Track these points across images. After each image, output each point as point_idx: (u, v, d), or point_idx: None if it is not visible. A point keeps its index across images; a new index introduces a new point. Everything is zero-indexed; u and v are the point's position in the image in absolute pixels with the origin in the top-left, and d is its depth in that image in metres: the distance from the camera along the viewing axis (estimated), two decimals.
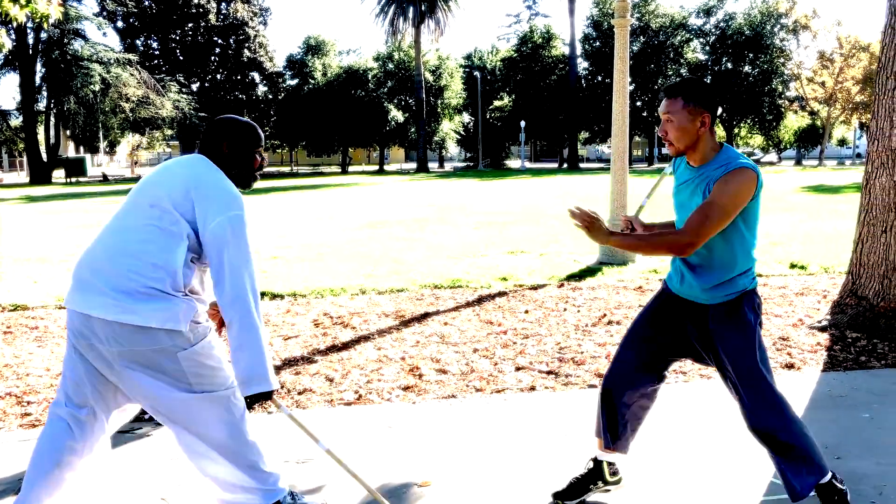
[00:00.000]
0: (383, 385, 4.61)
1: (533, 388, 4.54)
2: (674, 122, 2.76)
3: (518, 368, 4.92)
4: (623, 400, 3.00)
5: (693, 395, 4.42)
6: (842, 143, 72.03)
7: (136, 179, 45.03)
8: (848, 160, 62.01)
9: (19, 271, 9.30)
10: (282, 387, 4.57)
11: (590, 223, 2.73)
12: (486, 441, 3.74)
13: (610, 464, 3.11)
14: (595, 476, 3.10)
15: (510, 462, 3.49)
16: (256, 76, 53.90)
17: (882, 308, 5.58)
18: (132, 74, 42.11)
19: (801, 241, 11.13)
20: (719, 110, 2.84)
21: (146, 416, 3.98)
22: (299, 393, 4.48)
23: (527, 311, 6.55)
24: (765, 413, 2.78)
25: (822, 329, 5.72)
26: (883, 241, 5.60)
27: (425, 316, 6.44)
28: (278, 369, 4.95)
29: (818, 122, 56.48)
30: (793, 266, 8.75)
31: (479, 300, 7.08)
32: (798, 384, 4.54)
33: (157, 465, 3.51)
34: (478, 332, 5.85)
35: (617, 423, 3.01)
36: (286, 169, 61.33)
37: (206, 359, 2.65)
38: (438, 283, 7.89)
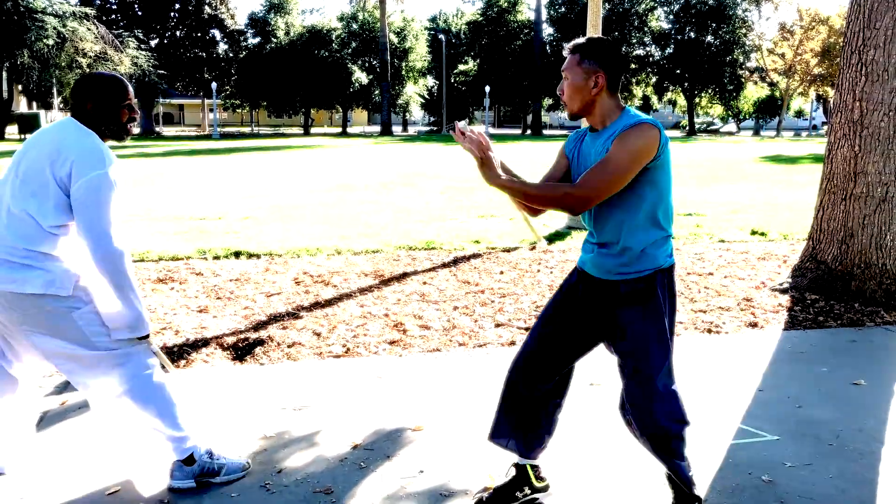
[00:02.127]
0: (370, 339, 4.78)
1: (513, 343, 4.75)
2: (568, 80, 2.57)
3: (498, 325, 5.13)
4: (533, 394, 2.78)
5: None
6: (799, 114, 73.35)
7: None
8: (804, 132, 63.23)
9: None
10: (271, 340, 4.72)
11: (484, 156, 2.49)
12: (471, 390, 3.94)
13: (534, 466, 2.87)
14: (521, 482, 2.85)
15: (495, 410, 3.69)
16: (217, 34, 52.85)
17: (839, 271, 5.89)
18: (89, 29, 40.87)
19: (760, 209, 11.50)
20: (620, 73, 2.57)
21: None
22: (289, 346, 4.63)
23: (501, 272, 6.75)
24: (658, 407, 2.62)
25: (783, 291, 6.02)
26: (842, 209, 5.89)
27: (404, 276, 6.61)
28: (265, 323, 5.09)
29: (777, 94, 57.41)
30: (753, 233, 9.08)
31: (455, 261, 7.26)
32: (761, 342, 4.83)
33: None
34: (456, 292, 6.04)
35: (534, 421, 2.80)
36: (247, 129, 60.50)
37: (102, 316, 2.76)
38: (413, 245, 8.04)
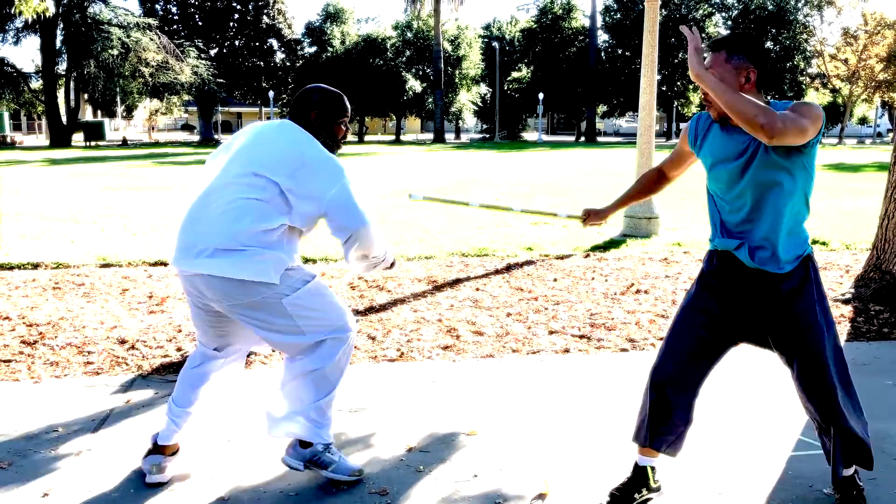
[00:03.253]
0: (423, 344, 4.82)
1: (567, 351, 4.73)
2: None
3: (551, 332, 5.12)
4: (678, 396, 2.76)
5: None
6: (862, 121, 71.30)
7: (154, 144, 45.31)
8: (868, 139, 61.44)
9: (54, 231, 9.55)
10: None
11: (697, 46, 2.43)
12: (525, 397, 3.94)
13: (653, 468, 2.87)
14: (640, 483, 2.84)
15: (549, 417, 3.69)
16: (275, 43, 53.79)
17: None
18: (152, 39, 42.09)
19: (821, 218, 11.22)
20: (767, 67, 2.56)
21: None
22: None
23: (555, 280, 6.73)
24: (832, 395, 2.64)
25: (846, 302, 5.87)
26: None
27: (457, 282, 6.64)
28: None
29: (839, 100, 55.94)
30: (814, 242, 8.87)
31: (508, 268, 7.27)
32: None
33: (220, 410, 3.73)
34: (509, 298, 6.04)
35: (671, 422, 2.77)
36: None
37: (311, 303, 2.88)
38: (466, 252, 8.07)
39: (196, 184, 2.97)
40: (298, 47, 54.82)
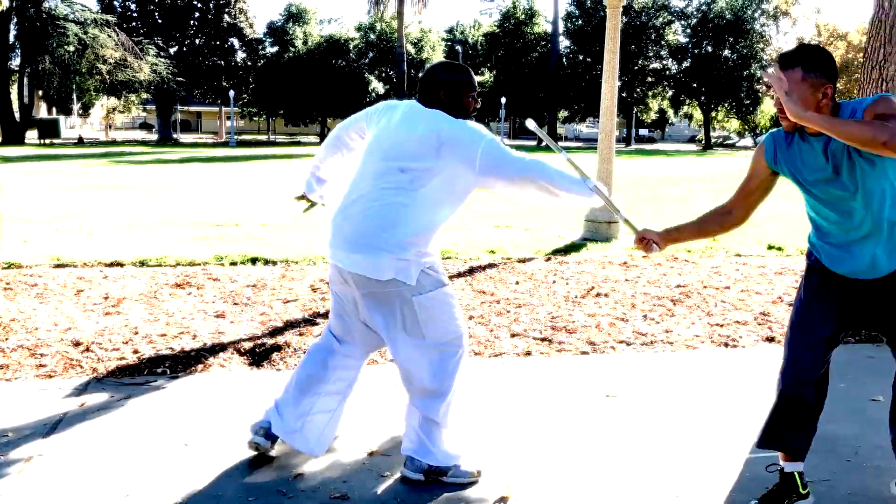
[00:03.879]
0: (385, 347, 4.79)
1: (528, 353, 4.75)
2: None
3: (513, 335, 5.13)
4: (814, 404, 2.83)
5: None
6: None
7: (110, 143, 44.46)
8: None
9: (6, 230, 9.31)
10: (287, 346, 4.74)
11: (788, 89, 2.44)
12: (488, 399, 3.94)
13: (801, 473, 2.86)
14: (789, 490, 2.84)
15: (512, 419, 3.70)
16: (236, 42, 53.28)
17: None
18: (109, 36, 41.32)
19: (776, 224, 11.44)
20: (836, 79, 2.52)
21: (160, 371, 4.15)
22: (305, 352, 4.63)
23: (517, 283, 6.76)
24: None
25: None
26: None
27: None
28: (282, 329, 5.11)
29: None
30: (770, 247, 9.04)
31: (470, 271, 7.27)
32: (778, 356, 4.79)
33: (177, 414, 3.67)
34: (472, 301, 6.04)
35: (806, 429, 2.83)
36: (263, 137, 60.84)
37: (439, 307, 2.94)
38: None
39: (346, 168, 3.16)
40: (260, 47, 54.35)
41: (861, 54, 6.27)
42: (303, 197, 3.49)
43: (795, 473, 2.84)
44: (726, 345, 5.05)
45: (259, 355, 4.64)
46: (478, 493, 2.96)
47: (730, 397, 4.05)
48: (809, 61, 2.46)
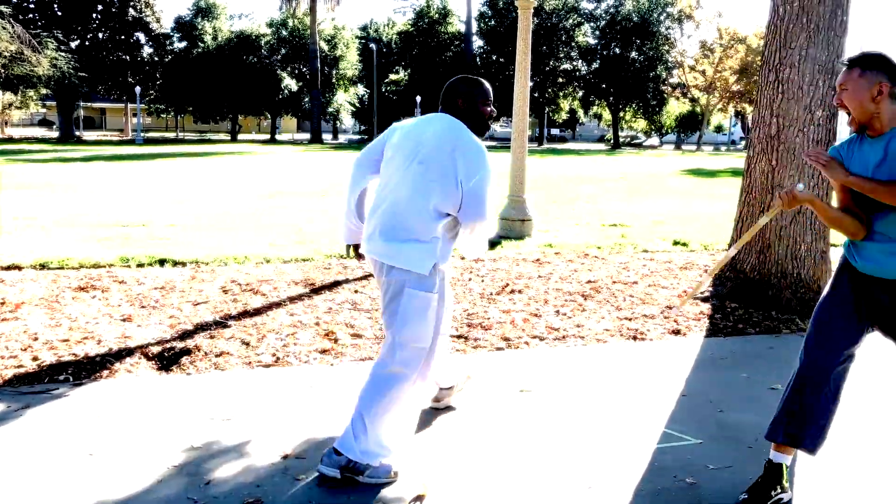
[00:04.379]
0: (300, 348, 4.73)
1: None
2: (848, 92, 2.78)
3: None
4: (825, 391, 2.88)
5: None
6: (718, 129, 75.91)
7: (7, 140, 42.29)
8: (723, 146, 65.50)
9: None
10: (198, 349, 4.62)
11: (826, 162, 2.81)
12: None
13: (788, 467, 2.95)
14: (775, 481, 2.91)
15: (427, 418, 3.70)
16: (142, 37, 51.43)
17: (757, 281, 6.13)
18: (4, 28, 39.29)
19: (682, 220, 11.86)
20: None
21: (62, 377, 3.97)
22: (217, 356, 4.54)
23: None
24: None
25: (705, 300, 6.22)
26: None
27: (335, 284, 6.56)
28: (191, 333, 4.98)
29: (698, 109, 59.33)
30: (676, 243, 9.35)
31: None
32: (684, 348, 4.98)
33: (81, 423, 3.52)
34: None
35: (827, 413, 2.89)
36: (172, 135, 59.05)
37: (421, 308, 3.08)
38: (344, 254, 7.99)
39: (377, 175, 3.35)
40: (167, 42, 52.68)
41: (760, 57, 6.60)
42: (349, 247, 3.59)
43: (784, 465, 2.92)
44: (634, 338, 5.20)
45: (168, 360, 4.50)
46: (394, 493, 2.96)
47: (638, 389, 4.18)
48: (867, 61, 2.77)
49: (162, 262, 7.27)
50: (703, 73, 54.17)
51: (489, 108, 3.30)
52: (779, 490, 2.89)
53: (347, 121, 69.55)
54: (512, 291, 6.43)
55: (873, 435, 3.64)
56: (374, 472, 3.04)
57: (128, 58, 50.26)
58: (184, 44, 52.83)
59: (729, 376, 4.43)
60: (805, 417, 2.87)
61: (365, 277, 6.86)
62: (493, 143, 56.26)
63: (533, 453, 3.34)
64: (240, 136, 56.82)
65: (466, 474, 3.12)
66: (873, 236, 2.85)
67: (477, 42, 58.12)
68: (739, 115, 59.74)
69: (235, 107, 53.18)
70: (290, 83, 52.84)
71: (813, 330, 2.94)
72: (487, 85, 3.30)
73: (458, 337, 5.07)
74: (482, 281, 6.84)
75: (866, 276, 2.88)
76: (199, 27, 52.00)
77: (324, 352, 4.69)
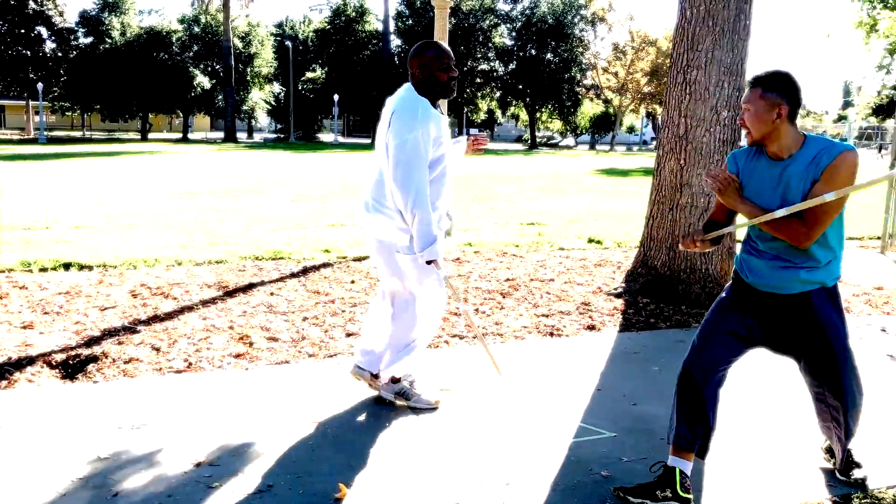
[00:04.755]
0: (213, 353, 4.61)
1: None
2: (750, 111, 2.78)
3: (349, 335, 5.09)
4: (711, 394, 2.91)
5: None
6: (630, 130, 77.91)
7: None
8: (635, 146, 67.31)
9: None
10: (105, 356, 4.44)
11: (723, 188, 2.85)
12: (321, 402, 3.88)
13: (684, 474, 2.88)
14: (666, 484, 2.87)
15: (345, 420, 3.66)
16: (44, 31, 49.26)
17: (668, 276, 6.31)
18: None
19: (596, 218, 12.12)
20: (798, 103, 2.80)
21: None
22: (125, 362, 4.37)
23: (353, 282, 6.72)
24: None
25: (618, 296, 6.37)
26: (670, 218, 6.32)
27: (250, 287, 6.42)
28: (98, 339, 4.78)
29: (611, 110, 60.74)
30: (590, 241, 9.55)
31: (304, 271, 7.15)
32: (598, 343, 5.08)
33: None
34: (305, 302, 5.94)
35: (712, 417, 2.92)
36: (78, 134, 56.71)
37: (411, 269, 3.53)
38: (259, 255, 7.84)
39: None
40: (72, 37, 50.56)
41: (669, 59, 6.81)
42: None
43: (678, 470, 2.87)
44: (552, 334, 5.28)
45: (73, 367, 4.31)
46: (313, 497, 2.91)
47: (556, 384, 4.23)
48: (769, 82, 2.79)
49: (67, 266, 6.97)
50: (616, 74, 55.51)
51: (447, 74, 3.33)
52: (668, 493, 2.84)
53: (263, 119, 68.33)
54: None
55: (756, 437, 3.79)
56: (418, 400, 3.75)
57: (28, 52, 48.06)
58: (90, 39, 50.78)
59: (642, 370, 4.54)
60: (687, 422, 2.90)
61: (281, 279, 6.74)
62: None
63: (452, 451, 3.34)
64: (150, 135, 55.02)
65: (384, 475, 3.10)
66: (760, 253, 2.91)
67: (395, 41, 57.98)
68: (651, 115, 61.51)
69: (145, 105, 51.49)
70: (202, 80, 51.48)
71: (697, 342, 2.98)
72: (445, 48, 3.31)
73: None
74: None
75: (756, 291, 2.92)
76: (107, 22, 50.06)
77: (238, 356, 4.58)
